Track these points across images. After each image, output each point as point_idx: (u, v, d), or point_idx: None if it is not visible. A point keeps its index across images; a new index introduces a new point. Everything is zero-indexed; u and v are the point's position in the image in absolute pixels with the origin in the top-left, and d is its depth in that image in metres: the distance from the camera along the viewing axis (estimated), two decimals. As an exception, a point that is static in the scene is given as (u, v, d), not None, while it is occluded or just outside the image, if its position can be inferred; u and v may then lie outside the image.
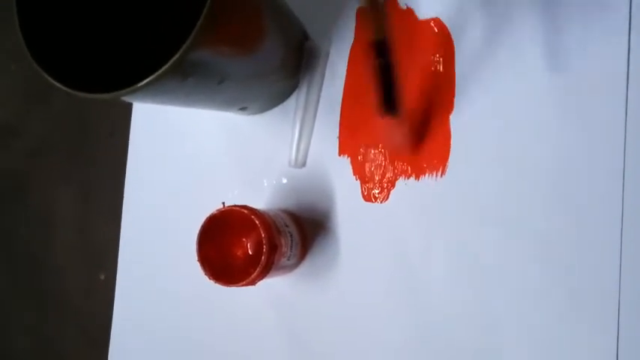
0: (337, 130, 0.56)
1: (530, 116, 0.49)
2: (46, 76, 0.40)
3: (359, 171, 0.55)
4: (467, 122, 0.51)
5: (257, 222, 0.48)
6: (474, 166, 0.51)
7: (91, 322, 0.69)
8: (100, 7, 0.50)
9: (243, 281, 0.48)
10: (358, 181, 0.55)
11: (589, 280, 0.46)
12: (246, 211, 0.49)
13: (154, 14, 0.55)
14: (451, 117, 0.52)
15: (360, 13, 0.57)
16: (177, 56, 0.39)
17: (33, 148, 0.77)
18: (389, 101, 0.45)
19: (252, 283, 0.49)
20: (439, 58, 0.53)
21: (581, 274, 0.46)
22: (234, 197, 0.59)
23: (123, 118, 0.66)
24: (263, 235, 0.48)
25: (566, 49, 0.49)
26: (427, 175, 0.52)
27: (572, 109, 0.48)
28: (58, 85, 0.40)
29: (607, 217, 0.46)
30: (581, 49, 0.48)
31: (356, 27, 0.57)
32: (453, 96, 0.52)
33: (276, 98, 0.59)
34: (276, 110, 0.60)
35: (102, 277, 0.66)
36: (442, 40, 0.53)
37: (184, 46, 0.39)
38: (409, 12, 0.54)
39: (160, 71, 0.39)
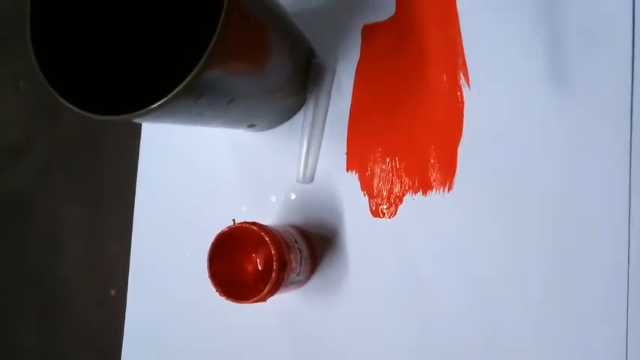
0: (345, 146, 0.57)
1: (535, 134, 0.50)
2: (60, 98, 0.41)
3: (367, 186, 0.55)
4: (473, 138, 0.52)
5: (267, 239, 0.49)
6: (480, 181, 0.51)
7: (101, 337, 0.69)
8: (109, 31, 0.51)
9: (253, 298, 0.49)
10: (366, 197, 0.55)
11: (597, 298, 0.46)
12: (256, 228, 0.49)
13: (162, 34, 0.56)
14: (457, 132, 0.52)
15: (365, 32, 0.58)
16: (190, 76, 0.40)
17: (42, 166, 0.77)
18: None
19: (263, 299, 0.49)
20: (448, 79, 0.53)
21: (589, 289, 0.47)
22: (243, 213, 0.60)
23: (132, 134, 0.66)
24: (273, 252, 0.48)
25: (571, 70, 0.49)
26: (434, 190, 0.53)
27: (577, 127, 0.49)
28: (71, 107, 0.41)
29: (613, 229, 0.47)
30: (585, 70, 0.49)
31: (361, 45, 0.58)
32: (461, 115, 0.52)
33: (284, 114, 0.60)
34: (284, 126, 0.60)
35: (112, 292, 0.67)
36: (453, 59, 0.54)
37: (198, 66, 0.40)
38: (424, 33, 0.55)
39: (173, 92, 0.40)
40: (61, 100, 0.41)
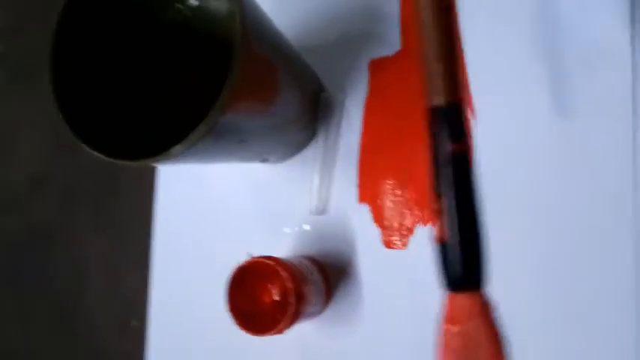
0: (356, 178, 0.59)
1: (539, 160, 0.52)
2: (87, 147, 0.43)
3: (378, 218, 0.57)
4: (480, 168, 0.53)
5: (283, 274, 0.50)
6: (489, 210, 0.52)
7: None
8: (121, 75, 0.53)
9: (271, 330, 0.50)
10: (378, 228, 0.57)
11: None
12: (272, 263, 0.51)
13: (167, 75, 0.57)
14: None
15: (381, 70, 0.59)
16: (207, 121, 0.41)
17: (62, 198, 0.80)
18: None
19: (280, 332, 0.50)
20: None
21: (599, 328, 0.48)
22: (258, 245, 0.61)
23: (150, 167, 0.68)
24: (289, 287, 0.50)
25: (573, 98, 0.51)
26: (444, 220, 0.54)
27: (581, 154, 0.50)
28: (96, 153, 0.43)
29: (622, 257, 0.48)
30: (586, 97, 0.50)
31: (369, 79, 0.59)
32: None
33: (296, 147, 0.61)
34: (296, 159, 0.62)
35: (133, 323, 0.68)
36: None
37: (210, 112, 0.41)
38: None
39: (189, 138, 0.41)
40: (86, 147, 0.43)
